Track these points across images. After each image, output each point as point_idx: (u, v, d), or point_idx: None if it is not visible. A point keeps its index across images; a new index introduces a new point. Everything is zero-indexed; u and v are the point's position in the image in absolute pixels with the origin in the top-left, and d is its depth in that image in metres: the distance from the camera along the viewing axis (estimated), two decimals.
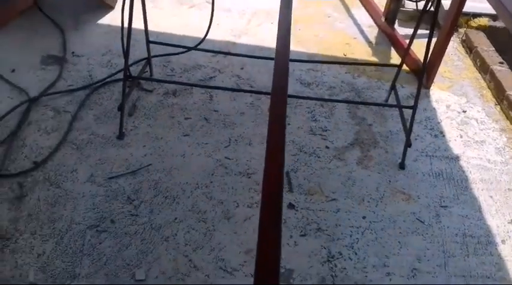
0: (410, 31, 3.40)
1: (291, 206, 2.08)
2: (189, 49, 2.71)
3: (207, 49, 2.81)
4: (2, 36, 2.93)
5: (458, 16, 2.65)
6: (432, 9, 2.19)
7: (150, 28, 2.56)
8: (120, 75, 2.65)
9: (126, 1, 2.07)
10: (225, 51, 3.03)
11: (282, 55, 1.35)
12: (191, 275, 1.78)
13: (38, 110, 2.41)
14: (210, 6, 2.41)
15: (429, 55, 2.85)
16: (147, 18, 2.46)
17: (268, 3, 3.70)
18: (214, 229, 1.94)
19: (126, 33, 2.16)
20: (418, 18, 2.29)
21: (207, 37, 2.52)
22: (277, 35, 1.44)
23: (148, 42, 2.60)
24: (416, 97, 2.24)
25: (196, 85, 2.70)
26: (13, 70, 2.66)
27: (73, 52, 2.89)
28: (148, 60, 2.68)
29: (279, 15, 1.53)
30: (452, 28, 2.69)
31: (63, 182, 2.06)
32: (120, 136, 2.33)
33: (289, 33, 1.42)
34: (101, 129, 2.37)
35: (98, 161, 2.19)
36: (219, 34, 3.21)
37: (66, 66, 2.77)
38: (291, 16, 1.72)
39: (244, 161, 2.27)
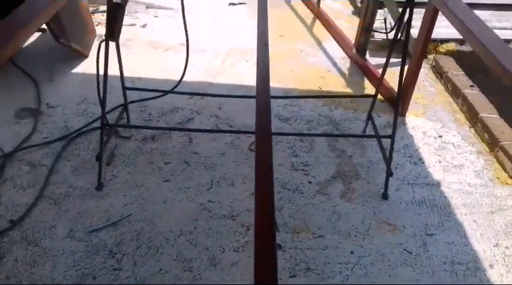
0: (381, 60, 3.50)
1: (278, 246, 2.05)
2: (165, 93, 2.72)
3: (184, 91, 2.82)
4: None
5: (427, 43, 2.72)
6: (402, 38, 2.25)
7: (125, 74, 2.56)
8: (97, 124, 2.64)
9: (101, 48, 2.07)
10: (202, 92, 3.04)
11: (262, 94, 1.36)
12: None
13: (13, 165, 2.36)
14: (185, 48, 2.43)
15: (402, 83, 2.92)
16: (122, 64, 2.46)
17: (242, 42, 3.76)
18: (200, 278, 1.89)
19: (102, 80, 2.16)
20: (390, 48, 2.34)
21: (183, 79, 2.54)
22: (257, 73, 1.45)
23: (124, 88, 2.59)
24: (394, 127, 2.26)
25: (174, 129, 2.70)
26: None
27: (48, 104, 2.86)
28: (125, 106, 2.67)
29: (257, 54, 1.54)
30: (422, 55, 2.75)
31: (42, 240, 2.00)
32: (99, 186, 2.29)
33: (268, 71, 1.43)
34: (79, 180, 2.32)
35: (77, 215, 2.13)
36: (195, 75, 3.24)
37: (41, 118, 2.74)
38: (268, 54, 1.73)
39: (227, 204, 2.24)
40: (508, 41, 3.69)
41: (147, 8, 4.18)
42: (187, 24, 2.36)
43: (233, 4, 4.52)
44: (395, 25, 2.19)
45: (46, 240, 2.00)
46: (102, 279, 1.86)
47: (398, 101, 2.28)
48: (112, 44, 2.16)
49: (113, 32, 2.14)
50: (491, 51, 1.66)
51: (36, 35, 3.60)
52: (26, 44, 3.49)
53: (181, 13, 2.34)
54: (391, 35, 2.35)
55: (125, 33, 3.75)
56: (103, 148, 2.30)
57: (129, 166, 2.44)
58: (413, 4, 2.06)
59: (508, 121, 2.83)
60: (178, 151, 2.57)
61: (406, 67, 2.89)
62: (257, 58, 1.60)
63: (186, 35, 2.42)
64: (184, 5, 2.32)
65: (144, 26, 3.93)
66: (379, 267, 1.96)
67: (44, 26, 3.09)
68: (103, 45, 2.08)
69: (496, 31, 3.76)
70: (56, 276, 1.86)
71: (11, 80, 3.05)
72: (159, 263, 1.93)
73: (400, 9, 2.20)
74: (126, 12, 3.99)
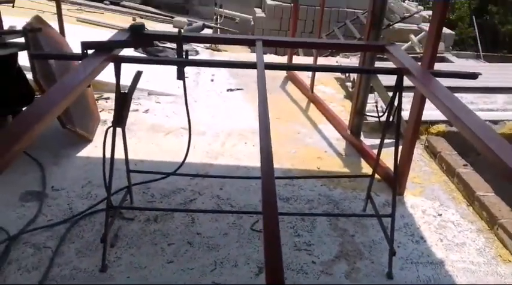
0: (374, 141, 3.64)
1: None
2: (168, 174, 2.79)
3: (186, 173, 2.89)
4: None
5: (419, 125, 2.86)
6: (394, 121, 2.38)
7: (129, 157, 2.64)
8: (101, 206, 2.67)
9: (108, 133, 2.16)
10: (203, 173, 3.12)
11: (267, 174, 1.41)
12: None
13: (18, 248, 2.35)
14: (185, 132, 2.54)
15: (398, 164, 3.02)
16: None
17: (240, 125, 3.91)
18: None
19: (109, 163, 2.23)
20: (383, 131, 2.46)
21: (186, 161, 2.62)
22: (261, 155, 1.52)
23: (128, 171, 2.66)
24: (393, 206, 2.32)
25: (177, 210, 2.73)
26: None
27: (52, 187, 2.91)
28: (128, 188, 2.72)
29: (260, 140, 1.62)
30: (415, 136, 2.89)
31: None
32: (103, 268, 2.27)
33: (271, 153, 1.50)
34: (83, 262, 2.31)
35: None
36: (196, 157, 3.33)
37: (46, 201, 2.77)
38: (270, 137, 1.81)
39: None
40: (495, 122, 3.88)
41: (149, 94, 4.37)
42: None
43: (231, 90, 4.75)
44: (386, 108, 2.33)
45: None
46: None
47: (395, 179, 2.36)
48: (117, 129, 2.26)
49: (121, 119, 2.25)
50: (476, 134, 1.74)
51: None
52: None
53: (182, 99, 2.48)
54: (383, 118, 2.49)
55: (128, 118, 3.91)
56: (108, 230, 2.32)
57: (132, 248, 2.44)
58: (402, 89, 2.21)
59: (503, 197, 2.89)
60: (181, 231, 2.58)
61: (400, 148, 3.03)
62: (260, 139, 1.67)
63: (188, 117, 2.54)
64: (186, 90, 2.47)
65: (146, 111, 4.09)
66: None
67: None
68: (110, 130, 2.18)
69: (482, 112, 3.96)
70: None
71: (17, 164, 3.10)
72: None
73: (390, 94, 2.35)
74: None
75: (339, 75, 5.31)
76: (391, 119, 2.38)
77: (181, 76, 2.45)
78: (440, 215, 2.82)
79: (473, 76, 2.25)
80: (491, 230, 2.68)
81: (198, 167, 3.24)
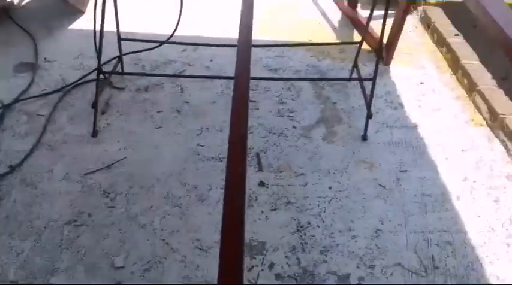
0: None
1: (261, 184, 2.21)
2: (160, 43, 2.82)
3: (178, 41, 2.91)
4: None
5: None
6: None
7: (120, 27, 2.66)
8: (92, 76, 2.76)
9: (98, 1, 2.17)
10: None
11: (244, 39, 1.45)
12: (168, 257, 1.88)
13: (12, 116, 2.50)
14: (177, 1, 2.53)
15: (388, 33, 3.00)
16: (113, 18, 2.56)
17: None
18: (189, 213, 2.06)
19: (99, 32, 2.27)
20: (373, 1, 2.42)
21: (177, 33, 2.65)
22: (240, 20, 1.54)
23: (119, 39, 2.70)
24: (375, 70, 2.37)
25: (165, 75, 2.82)
26: None
27: (45, 58, 2.98)
28: (119, 58, 2.78)
29: (242, 4, 1.63)
30: (408, 6, 2.82)
31: (39, 182, 2.16)
32: (94, 133, 2.43)
33: (251, 18, 1.53)
34: (74, 129, 2.47)
35: (72, 160, 2.29)
36: (187, 30, 3.31)
37: (39, 72, 2.86)
38: (252, 5, 1.81)
39: (215, 147, 2.39)
40: None
41: None
42: None
43: None
44: None
45: (44, 183, 2.16)
46: (97, 215, 2.03)
47: (380, 47, 2.37)
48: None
49: None
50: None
51: None
52: (24, 1, 3.57)
53: None
54: None
55: None
56: (98, 96, 2.43)
57: (122, 115, 2.58)
58: None
59: (490, 69, 2.91)
60: (170, 100, 2.70)
61: (392, 19, 2.98)
62: (241, 8, 1.68)
63: None
64: None
65: None
66: (354, 200, 2.12)
67: None
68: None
69: None
70: (53, 215, 2.02)
71: (10, 36, 3.16)
72: (150, 201, 2.10)
73: None
74: None
75: None
76: None
77: None
78: (423, 83, 2.87)
79: None
80: (469, 96, 2.74)
81: (189, 39, 3.24)
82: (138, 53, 2.96)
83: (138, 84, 2.80)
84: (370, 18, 2.59)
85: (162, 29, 3.28)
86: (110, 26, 2.49)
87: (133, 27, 3.33)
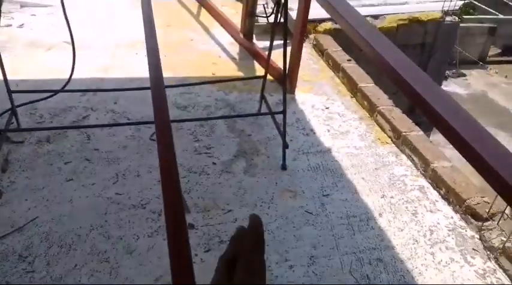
0: (267, 43, 3.68)
1: (190, 226, 2.14)
2: (55, 92, 2.65)
3: (75, 89, 2.76)
4: None
5: (306, 24, 2.95)
6: (282, 20, 2.43)
7: (8, 77, 2.45)
8: None
9: None
10: (94, 88, 3.00)
11: (156, 82, 1.41)
12: None
13: None
14: (69, 46, 2.40)
15: (288, 63, 3.14)
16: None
17: (129, 34, 3.72)
18: (118, 266, 1.92)
19: None
20: (271, 31, 2.51)
21: (73, 77, 2.51)
22: (148, 62, 1.50)
23: (9, 91, 2.48)
24: (284, 103, 2.45)
25: (67, 128, 2.64)
26: None
27: None
28: (12, 110, 2.55)
29: (146, 45, 1.59)
30: (303, 35, 2.98)
31: None
32: None
33: (158, 59, 1.49)
34: None
35: None
36: (84, 72, 3.16)
37: None
38: (156, 42, 1.77)
39: (136, 194, 2.28)
40: (375, 17, 4.10)
41: (21, 7, 3.96)
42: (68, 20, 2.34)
43: None
44: (273, 9, 2.36)
45: None
46: (16, 282, 1.81)
47: (285, 77, 2.47)
48: None
49: None
50: (354, 28, 1.84)
51: None
52: None
53: (60, 10, 2.31)
54: (272, 19, 2.53)
55: (1, 35, 3.55)
56: None
57: (26, 171, 2.36)
58: None
59: (381, 87, 3.16)
60: (77, 150, 2.53)
61: (289, 48, 3.12)
62: (147, 49, 1.65)
63: (70, 30, 2.40)
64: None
65: (21, 26, 3.73)
66: (285, 230, 2.14)
67: None
68: None
69: (364, 8, 4.13)
70: None
71: None
72: (73, 259, 1.93)
73: None
74: None
75: None
76: (279, 19, 2.42)
77: None
78: (328, 108, 3.03)
79: None
80: (371, 117, 2.95)
81: (88, 82, 3.10)
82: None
83: (38, 135, 2.59)
84: (270, 51, 2.69)
85: (56, 72, 3.11)
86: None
87: (22, 74, 3.10)
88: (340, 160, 2.59)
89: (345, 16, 1.69)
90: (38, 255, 1.93)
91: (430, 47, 4.27)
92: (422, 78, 1.26)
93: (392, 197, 2.37)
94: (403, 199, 2.37)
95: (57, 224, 2.08)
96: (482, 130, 1.07)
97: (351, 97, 3.17)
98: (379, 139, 2.78)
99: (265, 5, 2.92)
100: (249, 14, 3.60)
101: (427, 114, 1.16)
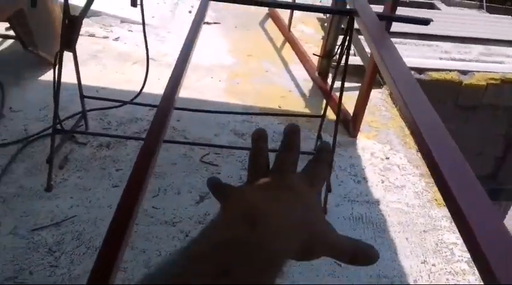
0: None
1: None
2: (124, 103, 2.81)
3: (142, 103, 2.91)
4: None
5: (375, 70, 2.85)
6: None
7: (91, 83, 2.70)
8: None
9: (58, 55, 2.18)
10: None
11: (164, 105, 1.42)
12: None
13: None
14: (155, 62, 2.55)
15: (354, 106, 3.06)
16: (89, 74, 2.57)
17: (211, 59, 3.88)
18: (133, 278, 1.95)
19: (60, 87, 2.26)
20: (334, 73, 2.47)
21: (147, 91, 2.66)
22: (167, 85, 1.52)
23: (82, 97, 2.68)
24: (333, 144, 2.37)
25: (125, 137, 2.77)
26: None
27: (11, 108, 2.94)
28: (83, 114, 2.75)
29: (173, 69, 1.61)
30: (372, 79, 2.89)
31: None
32: (48, 188, 2.35)
33: (178, 82, 1.51)
34: (30, 182, 2.38)
35: (23, 214, 2.19)
36: (159, 88, 3.31)
37: (3, 121, 2.80)
38: (186, 66, 1.76)
39: (170, 211, 2.32)
40: (463, 72, 3.87)
41: (121, 22, 4.30)
42: (159, 39, 2.49)
43: (207, 23, 4.66)
44: (337, 51, 2.32)
45: None
46: (39, 274, 1.91)
47: (337, 119, 2.39)
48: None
49: (69, 42, 2.25)
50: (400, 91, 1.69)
51: (4, 41, 3.69)
52: None
53: (155, 29, 2.47)
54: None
55: (96, 44, 3.88)
56: (54, 152, 2.37)
57: (80, 171, 2.51)
58: (352, 31, 2.19)
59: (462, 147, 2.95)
60: (131, 159, 2.64)
61: (357, 92, 3.06)
62: (172, 72, 1.64)
63: (146, 46, 2.55)
64: (159, 22, 2.45)
65: (116, 39, 4.04)
66: (306, 276, 2.04)
67: (13, 33, 3.17)
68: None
69: (454, 62, 3.93)
70: None
71: None
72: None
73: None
74: (100, 25, 4.13)
75: (321, 14, 5.20)
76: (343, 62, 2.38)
77: (134, 3, 2.43)
78: (388, 158, 2.88)
79: (426, 22, 2.21)
80: None
81: (159, 98, 3.24)
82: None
83: (101, 139, 2.75)
84: (331, 90, 2.64)
85: (134, 84, 3.30)
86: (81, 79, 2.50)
87: (104, 82, 3.34)
88: (386, 215, 2.43)
89: (390, 70, 1.58)
90: (66, 252, 2.03)
91: None
92: (449, 147, 1.14)
93: (434, 264, 2.17)
94: (446, 269, 2.15)
95: (91, 226, 2.17)
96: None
97: (417, 150, 2.99)
98: (436, 199, 2.57)
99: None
100: (327, 53, 3.57)
101: (440, 187, 1.04)
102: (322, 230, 0.51)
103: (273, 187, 0.53)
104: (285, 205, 0.50)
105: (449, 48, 4.22)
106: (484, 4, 12.57)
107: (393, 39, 3.20)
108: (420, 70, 3.81)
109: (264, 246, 0.45)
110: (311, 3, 5.15)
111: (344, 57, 2.28)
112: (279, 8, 4.60)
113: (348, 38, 2.23)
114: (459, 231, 0.98)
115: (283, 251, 0.47)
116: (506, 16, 5.61)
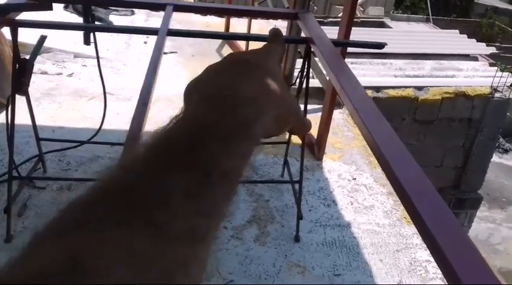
0: (301, 107, 3.67)
1: None
2: (82, 143, 2.72)
3: (103, 141, 2.83)
4: None
5: (335, 93, 2.89)
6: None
7: (47, 123, 2.59)
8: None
9: (10, 98, 2.08)
10: (123, 141, 3.06)
11: (132, 137, 1.38)
12: None
13: None
14: (111, 97, 2.48)
15: (317, 128, 3.08)
16: (44, 113, 2.47)
17: (170, 90, 3.81)
18: None
19: (14, 132, 2.16)
20: (295, 97, 2.48)
21: (106, 128, 2.59)
22: (133, 116, 1.47)
23: (38, 139, 2.57)
24: (301, 173, 2.37)
25: (87, 180, 2.68)
26: None
27: None
28: (40, 157, 2.64)
29: (139, 96, 1.56)
30: (333, 102, 2.93)
31: None
32: (8, 238, 2.22)
33: (140, 128, 1.47)
34: None
35: None
36: (119, 124, 3.25)
37: None
38: (145, 113, 1.73)
39: None
40: (419, 88, 3.99)
41: (75, 57, 4.20)
42: (115, 72, 2.43)
43: (164, 53, 4.62)
44: (297, 75, 2.34)
45: None
46: None
47: (303, 144, 2.40)
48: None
49: (21, 86, 2.16)
50: (356, 109, 1.77)
51: None
52: None
53: (110, 62, 2.41)
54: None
55: (50, 82, 3.76)
56: (11, 199, 2.25)
57: (41, 218, 2.39)
58: (310, 57, 2.21)
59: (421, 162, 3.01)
60: None
61: (320, 114, 3.08)
62: (138, 99, 1.60)
63: (102, 81, 2.50)
64: (114, 54, 2.40)
65: (70, 75, 3.94)
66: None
67: None
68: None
69: (409, 79, 4.04)
70: None
71: None
72: None
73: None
74: (53, 61, 4.01)
75: None
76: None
77: (87, 41, 2.38)
78: (355, 179, 2.90)
79: (379, 46, 2.26)
80: None
81: (120, 134, 3.16)
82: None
83: (61, 182, 2.64)
84: None
85: (93, 122, 3.22)
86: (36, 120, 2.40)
87: (61, 121, 3.23)
88: (359, 237, 2.43)
89: (348, 93, 1.59)
90: None
91: (478, 122, 4.07)
92: (412, 169, 1.15)
93: None
94: None
95: None
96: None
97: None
98: (405, 217, 2.60)
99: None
100: (287, 78, 3.60)
101: (409, 211, 1.04)
102: (293, 102, 0.50)
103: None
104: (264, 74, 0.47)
105: (402, 65, 4.35)
106: (431, 17, 13.17)
107: (349, 60, 3.28)
108: (377, 89, 3.89)
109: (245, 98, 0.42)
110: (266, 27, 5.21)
111: (304, 82, 2.30)
112: (235, 39, 4.64)
113: (306, 65, 2.26)
114: (429, 249, 0.99)
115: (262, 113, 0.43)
116: (454, 30, 5.86)
